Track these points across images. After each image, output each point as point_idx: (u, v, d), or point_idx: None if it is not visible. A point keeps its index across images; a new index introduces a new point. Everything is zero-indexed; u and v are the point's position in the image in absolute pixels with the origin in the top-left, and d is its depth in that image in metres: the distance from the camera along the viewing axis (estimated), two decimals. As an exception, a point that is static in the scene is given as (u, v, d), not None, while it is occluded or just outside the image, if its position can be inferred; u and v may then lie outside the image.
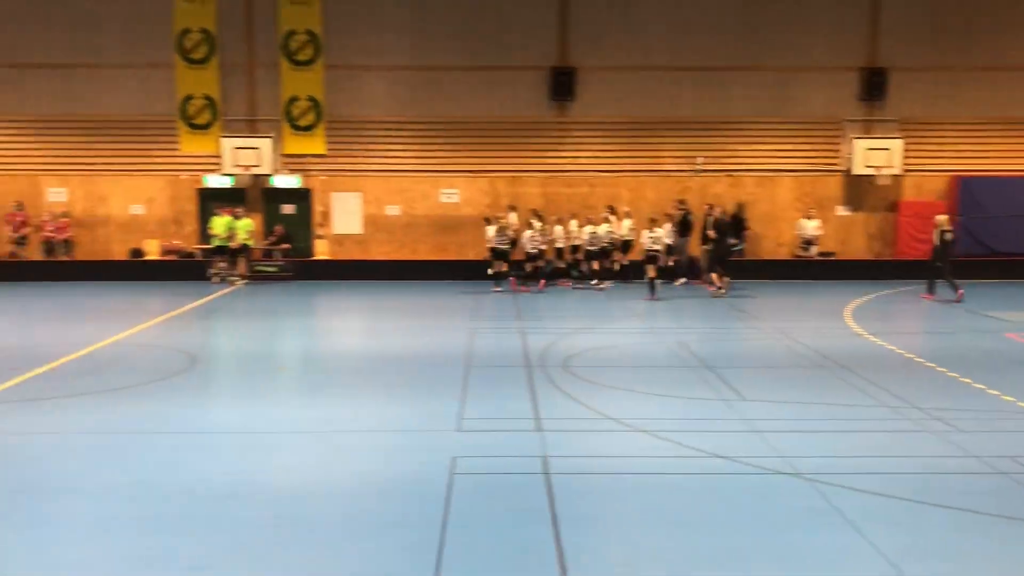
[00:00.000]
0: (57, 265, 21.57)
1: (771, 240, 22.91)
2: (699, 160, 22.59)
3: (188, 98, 21.98)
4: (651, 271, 18.78)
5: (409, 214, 22.71)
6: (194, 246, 22.38)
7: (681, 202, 21.42)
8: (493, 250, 19.89)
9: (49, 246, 21.83)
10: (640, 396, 10.24)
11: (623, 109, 22.48)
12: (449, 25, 22.17)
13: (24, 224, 21.71)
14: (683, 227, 21.09)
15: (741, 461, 7.79)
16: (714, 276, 19.10)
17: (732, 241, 20.71)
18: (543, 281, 20.09)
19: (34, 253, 21.89)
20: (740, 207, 22.14)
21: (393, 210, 22.72)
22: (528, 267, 20.14)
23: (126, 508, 6.73)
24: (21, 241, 21.77)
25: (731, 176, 22.72)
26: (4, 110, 21.99)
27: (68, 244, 21.94)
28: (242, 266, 21.18)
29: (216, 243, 20.96)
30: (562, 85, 22.17)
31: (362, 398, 10.28)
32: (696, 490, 7.17)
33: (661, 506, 6.82)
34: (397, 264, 22.18)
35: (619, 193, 22.45)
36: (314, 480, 7.43)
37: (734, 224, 21.50)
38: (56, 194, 22.23)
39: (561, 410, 9.58)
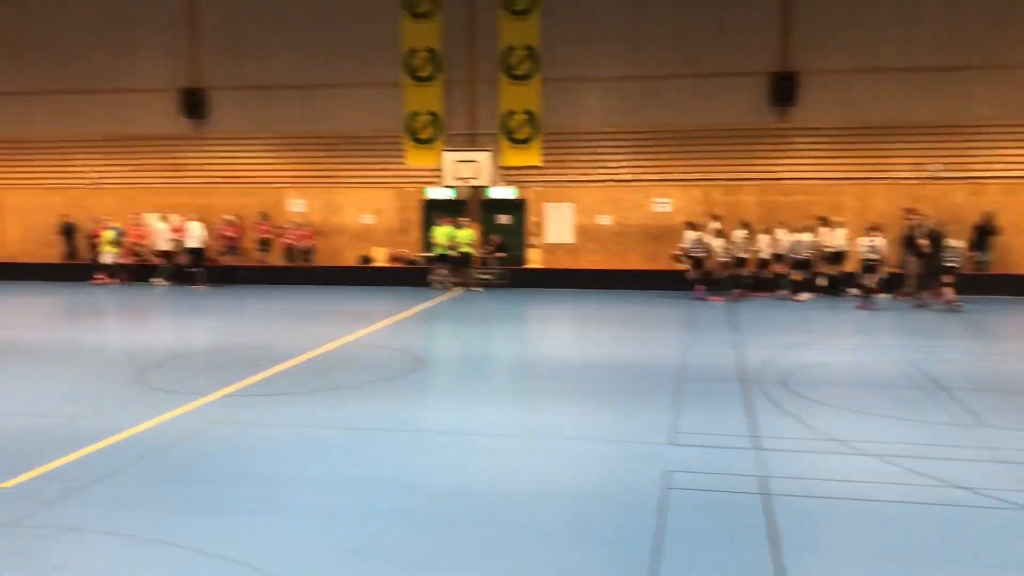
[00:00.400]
0: (296, 270, 23.40)
1: (1019, 252, 20.90)
2: (934, 166, 21.01)
3: (414, 114, 23.17)
4: (868, 280, 17.78)
5: (620, 223, 22.71)
6: (418, 254, 23.54)
7: (911, 211, 19.98)
8: (689, 256, 19.96)
9: (290, 252, 23.73)
10: (866, 417, 9.66)
11: (849, 114, 21.35)
12: (665, 33, 22.00)
13: (268, 232, 23.74)
14: (910, 240, 19.62)
15: (984, 493, 7.14)
16: (945, 290, 17.72)
17: (964, 252, 19.06)
18: (739, 291, 19.68)
19: (276, 259, 23.86)
20: (987, 216, 20.37)
21: (604, 220, 22.81)
22: (725, 276, 19.95)
23: (356, 500, 7.16)
24: (265, 247, 23.81)
25: (973, 183, 20.96)
26: (255, 129, 24.14)
27: (308, 251, 23.72)
28: (463, 274, 22.03)
29: (438, 251, 21.94)
30: (783, 90, 21.38)
31: (573, 405, 10.37)
32: (933, 523, 6.64)
33: (893, 537, 6.37)
34: (607, 273, 22.26)
35: (842, 202, 21.33)
36: (529, 484, 7.57)
37: (980, 234, 19.92)
38: (296, 205, 24.12)
39: (780, 428, 9.21)
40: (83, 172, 25.14)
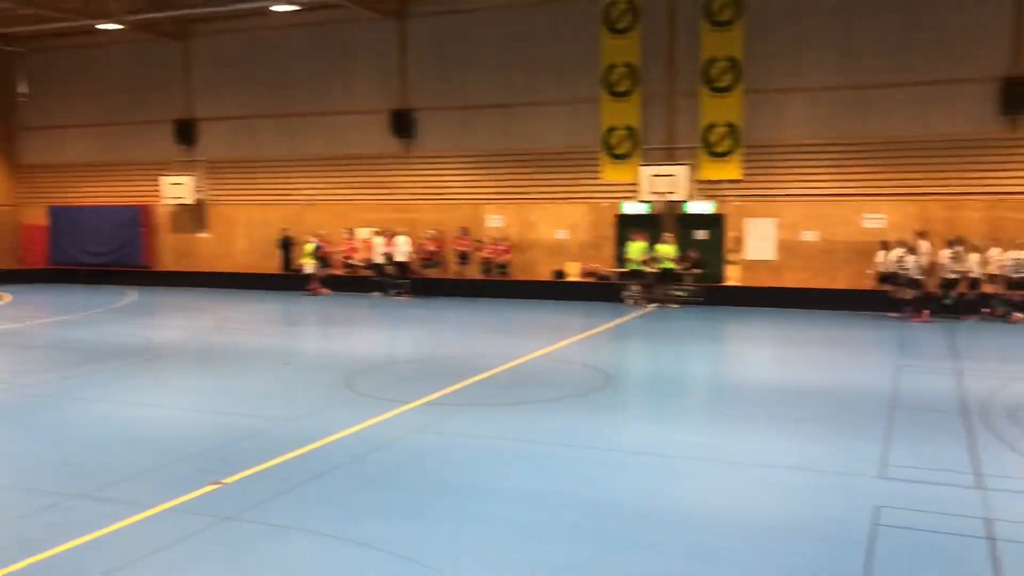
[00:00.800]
0: (492, 283, 23.95)
1: None
2: None
3: (611, 129, 23.17)
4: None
5: (827, 240, 21.61)
6: (610, 269, 23.49)
7: None
8: (887, 276, 19.24)
9: (487, 266, 24.35)
10: (1113, 460, 8.62)
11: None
12: (879, 40, 20.77)
13: (467, 246, 24.48)
14: None
15: None
16: None
17: None
18: (966, 313, 18.48)
19: (474, 272, 24.56)
20: None
21: (810, 236, 21.79)
22: (931, 295, 18.94)
23: (549, 516, 7.16)
24: (464, 260, 24.59)
25: None
26: (456, 146, 25.00)
27: (504, 265, 24.24)
28: (657, 290, 21.75)
29: (631, 267, 21.78)
30: (1015, 97, 19.60)
31: (771, 431, 9.92)
32: None
33: None
34: (812, 292, 21.22)
35: (1084, 218, 19.28)
36: (725, 511, 7.30)
37: None
38: (494, 220, 24.73)
39: (1009, 467, 8.39)
40: (301, 189, 26.96)
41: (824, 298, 20.82)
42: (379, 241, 24.58)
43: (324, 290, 25.08)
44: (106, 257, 29.18)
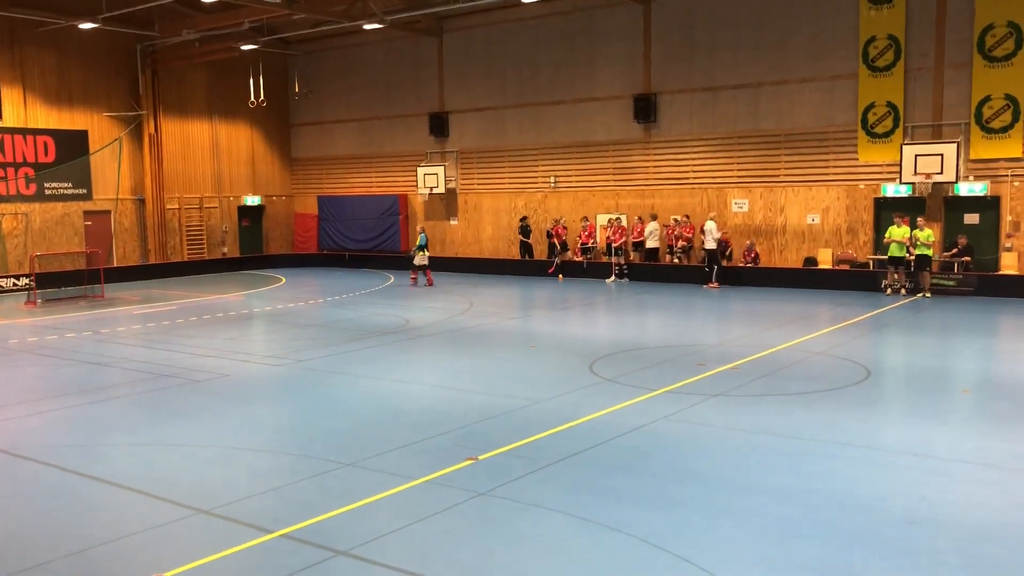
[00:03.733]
0: (736, 270, 23.20)
1: None
2: None
3: (869, 107, 21.70)
4: None
5: None
6: (867, 256, 22.05)
7: None
8: None
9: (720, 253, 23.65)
10: None
11: None
12: None
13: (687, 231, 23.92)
14: None
15: None
16: None
17: None
18: None
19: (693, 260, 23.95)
20: None
21: (1106, 220, 19.29)
22: None
23: (808, 515, 6.84)
24: (686, 250, 24.11)
25: None
26: (700, 130, 24.45)
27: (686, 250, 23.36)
28: (920, 278, 20.16)
29: (892, 253, 20.30)
30: None
31: (1065, 438, 8.89)
32: None
33: None
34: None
35: None
36: (1006, 520, 6.63)
37: None
38: (739, 205, 23.97)
39: None
40: (544, 176, 27.53)
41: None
42: (653, 226, 24.45)
43: (558, 275, 25.48)
44: (369, 243, 31.39)
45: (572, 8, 25.99)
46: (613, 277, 24.64)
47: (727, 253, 23.63)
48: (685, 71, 24.43)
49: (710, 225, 22.54)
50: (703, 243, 23.00)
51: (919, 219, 20.38)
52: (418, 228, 25.83)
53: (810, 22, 22.44)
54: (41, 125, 26.51)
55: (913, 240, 20.09)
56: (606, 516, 6.83)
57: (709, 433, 9.18)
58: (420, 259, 24.44)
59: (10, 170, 25.76)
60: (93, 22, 24.74)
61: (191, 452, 8.88)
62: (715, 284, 22.63)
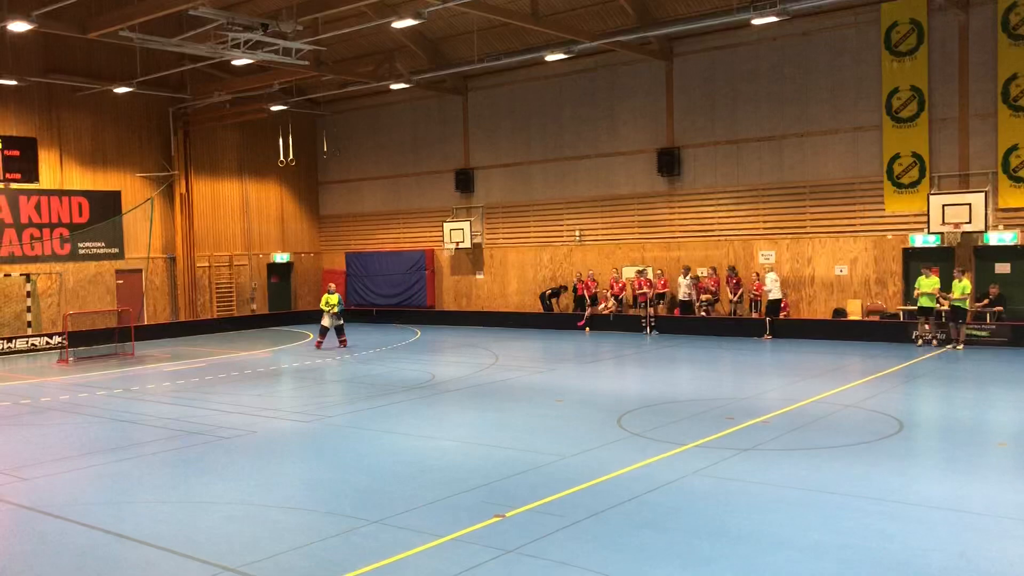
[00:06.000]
0: (762, 322, 23.00)
1: None
2: None
3: (895, 157, 21.68)
4: None
5: None
6: (897, 307, 21.83)
7: None
8: None
9: (756, 304, 23.50)
10: None
11: None
12: None
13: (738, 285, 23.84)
14: None
15: None
16: None
17: None
18: None
19: (745, 310, 23.81)
20: None
21: None
22: None
23: (838, 571, 6.69)
24: (741, 300, 23.97)
25: None
26: (726, 182, 24.52)
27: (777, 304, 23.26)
28: (955, 330, 19.83)
29: (922, 304, 20.05)
30: None
31: (1108, 492, 8.65)
32: None
33: None
34: None
35: None
36: (1050, 581, 6.45)
37: None
38: (765, 257, 23.89)
39: None
40: (569, 230, 27.66)
41: None
42: (685, 281, 24.46)
43: (586, 329, 25.42)
44: (396, 299, 31.58)
45: (595, 65, 26.36)
46: (649, 329, 24.55)
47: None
48: (708, 125, 24.61)
49: (772, 275, 22.42)
50: (767, 293, 22.48)
51: (956, 270, 19.91)
52: (330, 286, 24.04)
53: (830, 74, 22.58)
54: (76, 186, 27.13)
55: (948, 291, 19.64)
56: (636, 574, 6.71)
57: (740, 488, 9.04)
58: (329, 320, 23.14)
59: (45, 231, 26.33)
60: (128, 86, 25.44)
61: (218, 509, 8.87)
62: (769, 336, 22.50)
